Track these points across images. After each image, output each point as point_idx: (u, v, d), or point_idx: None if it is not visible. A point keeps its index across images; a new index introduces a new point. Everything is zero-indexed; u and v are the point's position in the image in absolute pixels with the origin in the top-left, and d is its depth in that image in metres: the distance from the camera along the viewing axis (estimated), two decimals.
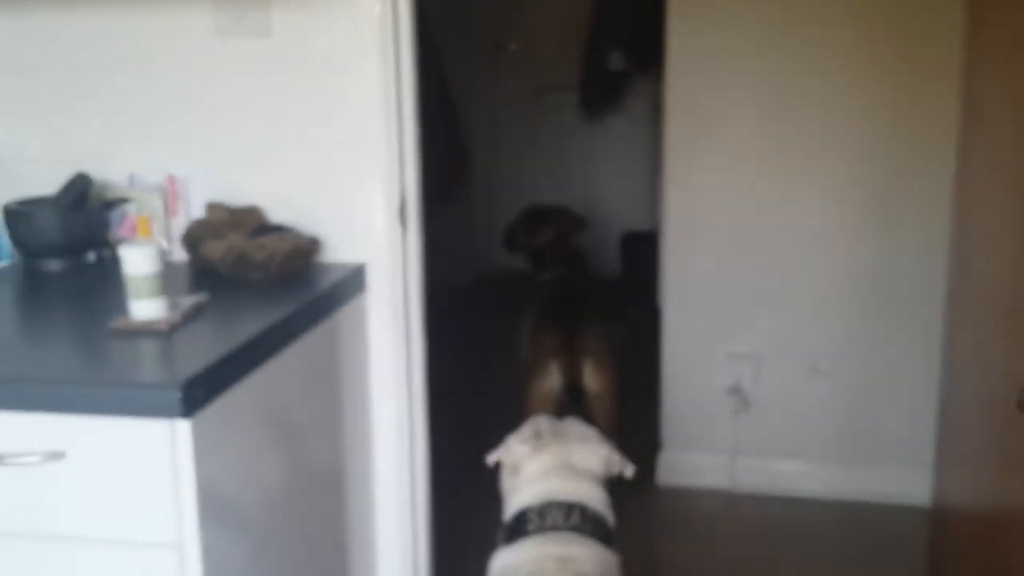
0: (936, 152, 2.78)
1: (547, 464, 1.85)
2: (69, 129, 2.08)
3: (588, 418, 2.86)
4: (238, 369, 1.56)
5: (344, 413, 1.96)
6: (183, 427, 1.42)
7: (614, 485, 1.88)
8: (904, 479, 3.03)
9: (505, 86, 5.61)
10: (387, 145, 1.99)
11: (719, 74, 3.16)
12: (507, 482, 1.90)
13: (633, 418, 3.39)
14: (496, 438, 1.97)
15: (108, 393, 1.44)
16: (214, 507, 1.47)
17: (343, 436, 1.96)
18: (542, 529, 1.76)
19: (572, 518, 1.77)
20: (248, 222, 1.98)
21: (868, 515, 3.15)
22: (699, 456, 3.36)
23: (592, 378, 2.86)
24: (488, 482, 1.98)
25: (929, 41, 2.90)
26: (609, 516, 1.84)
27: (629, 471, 1.90)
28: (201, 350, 1.56)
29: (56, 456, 1.45)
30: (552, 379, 2.85)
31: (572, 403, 2.85)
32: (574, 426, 1.98)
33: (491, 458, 1.91)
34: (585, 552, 1.73)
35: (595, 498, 1.83)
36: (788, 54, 3.09)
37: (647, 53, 4.58)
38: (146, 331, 1.62)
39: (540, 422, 1.96)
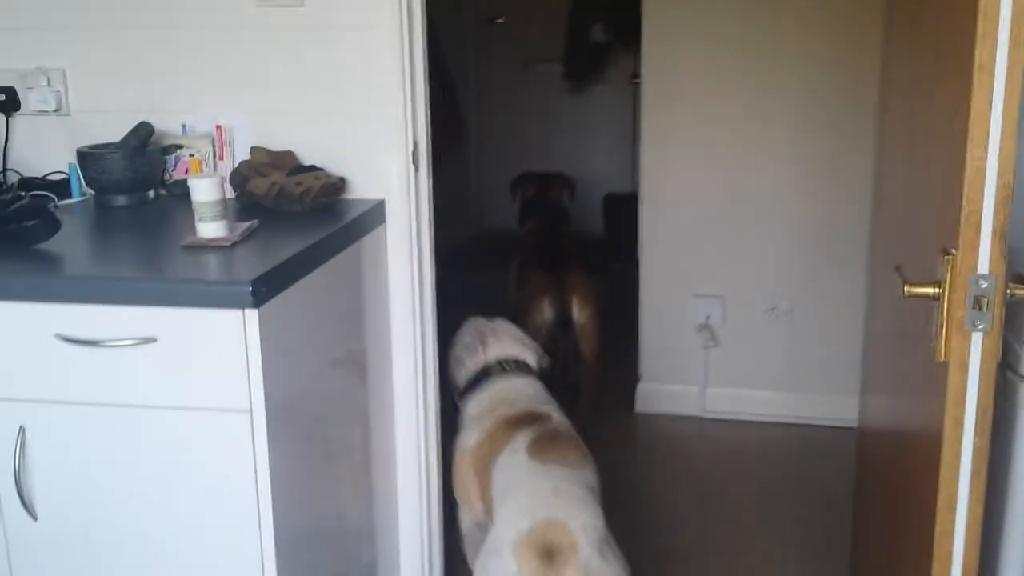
0: (872, 116, 3.14)
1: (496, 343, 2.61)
2: (131, 85, 2.41)
3: (575, 345, 3.27)
4: (289, 276, 1.92)
5: (367, 317, 2.32)
6: (252, 316, 1.77)
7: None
8: (850, 404, 3.39)
9: (494, 58, 5.95)
10: (401, 98, 2.32)
11: (690, 46, 3.52)
12: (455, 367, 2.66)
13: (615, 355, 3.79)
14: None
15: (192, 288, 1.80)
16: (274, 380, 1.83)
17: (366, 334, 2.32)
18: (501, 374, 2.52)
19: (518, 367, 2.56)
20: (286, 163, 2.33)
21: (818, 435, 3.55)
22: (673, 386, 3.75)
23: (579, 311, 3.25)
24: None
25: (872, 29, 3.28)
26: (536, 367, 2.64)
27: (545, 362, 2.70)
28: (259, 260, 1.92)
29: (149, 340, 1.80)
30: (544, 313, 3.24)
31: (562, 333, 3.24)
32: (504, 324, 2.70)
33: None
34: (528, 381, 2.53)
35: (529, 357, 2.62)
36: (752, 27, 3.45)
37: (627, 26, 4.93)
38: (212, 246, 1.98)
39: (478, 322, 2.67)
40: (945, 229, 1.44)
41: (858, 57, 3.33)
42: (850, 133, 3.40)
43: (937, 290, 1.41)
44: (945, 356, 1.41)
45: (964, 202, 1.38)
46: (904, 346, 1.79)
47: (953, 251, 1.40)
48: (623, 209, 5.06)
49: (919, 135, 1.75)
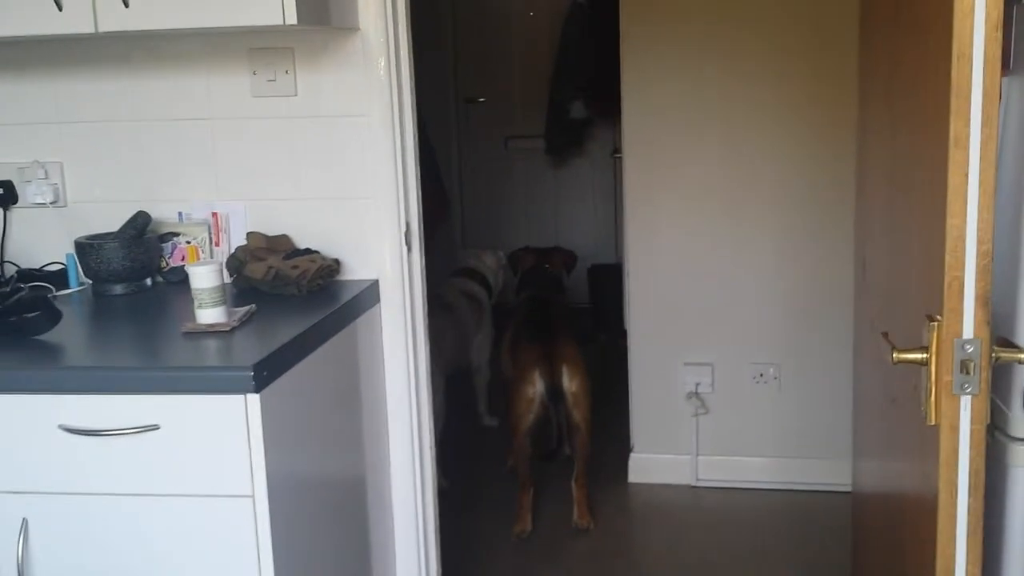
0: (849, 183, 3.23)
1: None
2: (128, 175, 2.46)
3: (567, 415, 3.31)
4: (288, 359, 1.95)
5: (363, 397, 2.35)
6: (253, 400, 1.80)
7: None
8: (841, 469, 3.41)
9: (476, 136, 6.07)
10: (394, 181, 2.39)
11: (670, 119, 3.60)
12: None
13: (605, 426, 3.81)
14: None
15: (193, 375, 1.83)
16: (276, 464, 1.85)
17: (362, 413, 2.35)
18: None
19: None
20: (281, 247, 2.38)
21: (812, 501, 3.56)
22: (665, 455, 3.76)
23: (570, 380, 3.28)
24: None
25: (845, 102, 3.38)
26: None
27: None
28: (259, 344, 1.95)
29: (151, 428, 1.82)
30: (536, 385, 3.27)
31: (553, 404, 3.27)
32: None
33: None
34: None
35: None
36: (730, 103, 3.54)
37: (605, 102, 5.04)
38: (212, 332, 2.01)
39: None
40: (929, 295, 1.49)
41: (836, 126, 3.42)
42: (830, 202, 3.48)
43: (924, 355, 1.45)
44: (936, 420, 1.45)
45: (946, 270, 1.43)
46: (894, 410, 1.83)
47: (938, 317, 1.45)
48: (608, 280, 5.14)
49: (899, 204, 1.82)
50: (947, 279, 1.42)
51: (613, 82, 3.70)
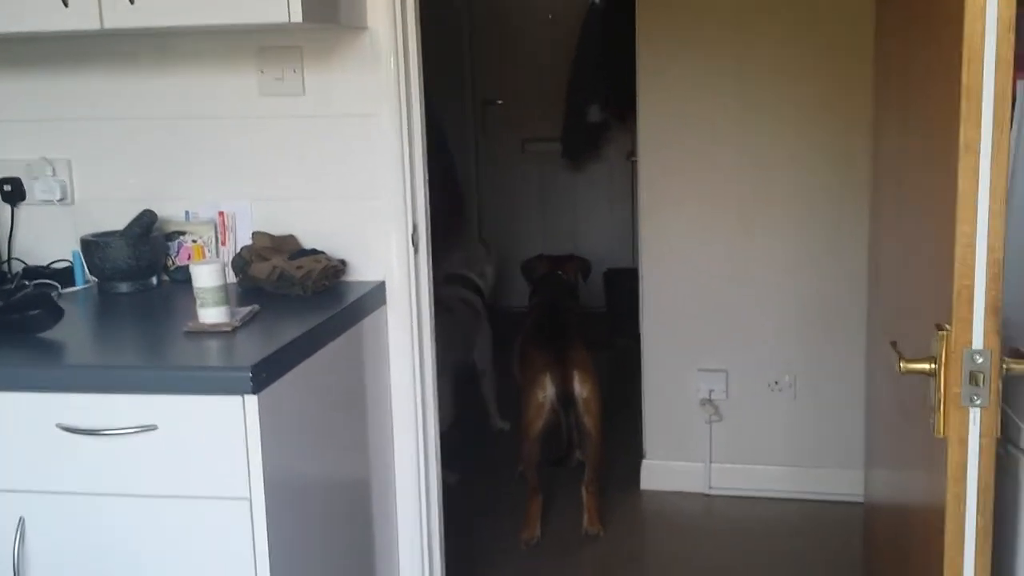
0: (866, 190, 3.18)
1: None
2: (135, 173, 2.45)
3: (578, 420, 3.27)
4: (289, 360, 1.92)
5: (368, 399, 2.33)
6: (252, 401, 1.77)
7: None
8: (855, 479, 3.35)
9: (493, 138, 6.05)
10: (400, 181, 2.36)
11: (686, 124, 3.56)
12: None
13: (619, 432, 3.78)
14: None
15: (192, 375, 1.81)
16: (274, 467, 1.83)
17: (367, 416, 2.33)
18: None
19: None
20: (287, 247, 2.36)
21: (825, 511, 3.50)
22: (678, 463, 3.71)
23: (581, 386, 3.24)
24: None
25: (862, 108, 3.33)
26: None
27: None
28: (260, 345, 1.93)
29: (149, 428, 1.80)
30: (547, 390, 3.23)
31: (564, 409, 3.24)
32: None
33: None
34: None
35: None
36: (746, 108, 3.49)
37: (622, 106, 5.01)
38: (214, 331, 1.99)
39: None
40: (939, 304, 1.45)
41: (852, 132, 3.37)
42: (846, 207, 3.43)
43: (933, 366, 1.42)
44: (944, 432, 1.41)
45: (956, 278, 1.39)
46: (904, 421, 1.79)
47: (947, 326, 1.41)
48: (624, 284, 5.09)
49: (910, 211, 1.78)
50: (956, 287, 1.38)
51: (630, 86, 3.67)
